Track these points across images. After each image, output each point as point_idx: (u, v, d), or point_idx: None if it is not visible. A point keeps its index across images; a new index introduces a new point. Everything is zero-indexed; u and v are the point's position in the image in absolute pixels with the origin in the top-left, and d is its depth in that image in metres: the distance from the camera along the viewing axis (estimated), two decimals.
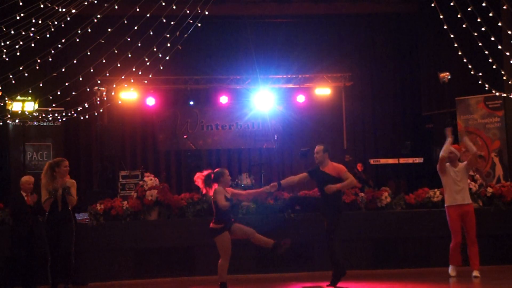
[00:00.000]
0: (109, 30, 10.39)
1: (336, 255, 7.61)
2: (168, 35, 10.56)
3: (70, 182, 7.96)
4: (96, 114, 12.34)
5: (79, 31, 10.24)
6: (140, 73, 11.31)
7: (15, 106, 10.76)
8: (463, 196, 8.38)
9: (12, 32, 9.78)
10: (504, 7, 11.09)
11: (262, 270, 9.29)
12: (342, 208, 7.86)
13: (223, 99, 14.97)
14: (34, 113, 11.15)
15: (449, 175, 8.41)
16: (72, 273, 8.02)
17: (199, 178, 7.57)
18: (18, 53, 10.17)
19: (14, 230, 8.78)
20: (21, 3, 9.65)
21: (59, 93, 10.86)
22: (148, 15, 10.44)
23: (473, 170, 10.67)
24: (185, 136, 14.35)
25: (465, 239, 8.45)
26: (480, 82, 10.90)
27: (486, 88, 11.00)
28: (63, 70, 10.80)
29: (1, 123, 11.51)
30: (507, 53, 10.74)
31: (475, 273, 8.27)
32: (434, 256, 9.50)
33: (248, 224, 9.52)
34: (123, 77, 12.01)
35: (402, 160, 12.43)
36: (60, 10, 9.71)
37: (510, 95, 11.48)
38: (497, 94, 11.42)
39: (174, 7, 10.45)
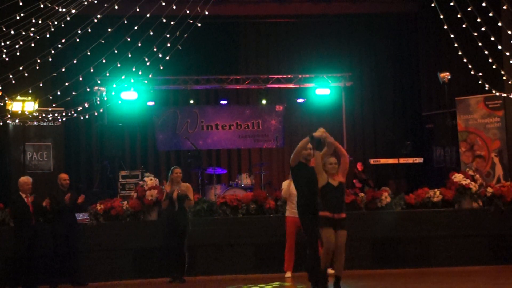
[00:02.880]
0: (109, 30, 10.38)
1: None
2: (168, 35, 10.55)
3: (185, 186, 8.86)
4: (96, 114, 12.33)
5: (79, 31, 10.23)
6: (140, 73, 11.31)
7: (15, 106, 10.73)
8: None
9: (12, 32, 9.77)
10: (504, 7, 11.08)
11: (262, 270, 9.30)
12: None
13: (223, 99, 14.97)
14: (34, 113, 11.13)
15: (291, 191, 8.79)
16: (183, 266, 8.72)
17: None
18: (18, 53, 10.16)
19: (16, 232, 8.78)
20: (21, 3, 9.62)
21: (59, 93, 10.84)
22: (148, 15, 10.44)
23: (473, 170, 10.67)
24: (185, 136, 14.36)
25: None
26: (480, 82, 10.89)
27: (486, 88, 11.00)
28: (63, 70, 10.79)
29: (1, 123, 11.49)
30: (507, 53, 10.73)
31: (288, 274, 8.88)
32: (434, 256, 9.50)
33: (249, 224, 9.56)
34: (123, 77, 12.00)
35: (402, 160, 12.44)
36: (60, 10, 9.70)
37: (510, 95, 11.47)
38: (497, 94, 11.41)
39: (174, 7, 10.44)
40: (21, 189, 8.90)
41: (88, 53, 10.56)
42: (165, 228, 8.83)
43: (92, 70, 10.80)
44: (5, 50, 9.93)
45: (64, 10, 9.72)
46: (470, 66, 10.79)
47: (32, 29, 9.79)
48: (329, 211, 6.98)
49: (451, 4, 10.04)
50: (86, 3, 9.88)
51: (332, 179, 7.10)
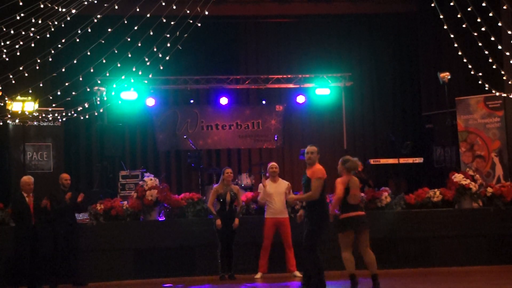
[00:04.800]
0: (109, 30, 10.39)
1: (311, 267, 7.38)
2: (168, 35, 10.56)
3: (236, 189, 9.31)
4: (96, 114, 12.33)
5: (79, 31, 10.23)
6: (140, 73, 11.31)
7: (15, 106, 10.73)
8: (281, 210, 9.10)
9: (12, 32, 9.77)
10: (504, 7, 11.09)
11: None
12: (326, 217, 7.39)
13: (223, 99, 14.97)
14: (34, 113, 11.13)
15: (268, 193, 9.02)
16: (232, 263, 9.08)
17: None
18: (18, 53, 10.16)
19: (17, 231, 8.79)
20: (21, 3, 9.63)
21: (59, 93, 10.85)
22: (148, 15, 10.44)
23: (473, 170, 10.68)
24: (185, 136, 14.36)
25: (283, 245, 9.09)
26: (480, 82, 10.90)
27: (486, 88, 11.00)
28: (63, 70, 10.79)
29: (1, 123, 11.49)
30: (507, 53, 10.73)
31: (297, 273, 8.87)
32: (434, 256, 9.51)
33: (249, 224, 9.56)
34: (123, 77, 12.00)
35: (402, 160, 12.43)
36: (60, 10, 9.70)
37: (510, 95, 11.47)
38: (497, 94, 11.42)
39: (174, 7, 10.45)
40: (23, 189, 8.93)
41: (88, 53, 10.57)
42: (216, 228, 9.01)
43: (92, 70, 10.80)
44: (5, 50, 9.94)
45: (64, 10, 9.73)
46: (470, 66, 10.80)
47: (32, 29, 9.80)
48: (355, 210, 7.25)
49: (451, 4, 10.05)
50: (86, 3, 9.89)
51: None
